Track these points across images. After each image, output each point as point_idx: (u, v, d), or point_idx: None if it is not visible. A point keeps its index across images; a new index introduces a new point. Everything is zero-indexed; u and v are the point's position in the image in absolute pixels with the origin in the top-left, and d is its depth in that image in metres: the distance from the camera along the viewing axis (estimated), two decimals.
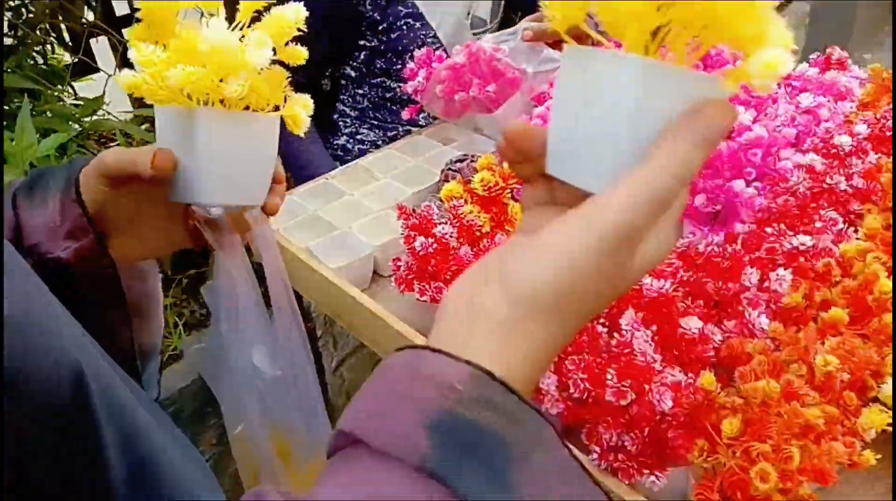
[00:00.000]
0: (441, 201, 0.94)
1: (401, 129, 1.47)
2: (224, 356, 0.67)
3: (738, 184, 0.87)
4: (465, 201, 0.88)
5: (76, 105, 1.46)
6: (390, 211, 1.00)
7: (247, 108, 0.54)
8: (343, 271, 0.89)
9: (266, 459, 0.73)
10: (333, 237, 0.95)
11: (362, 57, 1.41)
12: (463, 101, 1.13)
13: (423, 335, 0.79)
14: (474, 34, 1.44)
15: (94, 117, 1.45)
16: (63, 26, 1.58)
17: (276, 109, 0.55)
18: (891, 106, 0.97)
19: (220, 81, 0.51)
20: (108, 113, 1.47)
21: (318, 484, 0.34)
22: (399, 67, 1.39)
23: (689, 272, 0.71)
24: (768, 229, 0.74)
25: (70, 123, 1.32)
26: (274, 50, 0.52)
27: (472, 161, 1.01)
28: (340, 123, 1.52)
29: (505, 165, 0.90)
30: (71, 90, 1.71)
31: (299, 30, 0.52)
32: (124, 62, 1.51)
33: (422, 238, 0.78)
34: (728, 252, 0.72)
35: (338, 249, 0.94)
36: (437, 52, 1.15)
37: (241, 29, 0.52)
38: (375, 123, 1.49)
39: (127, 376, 0.45)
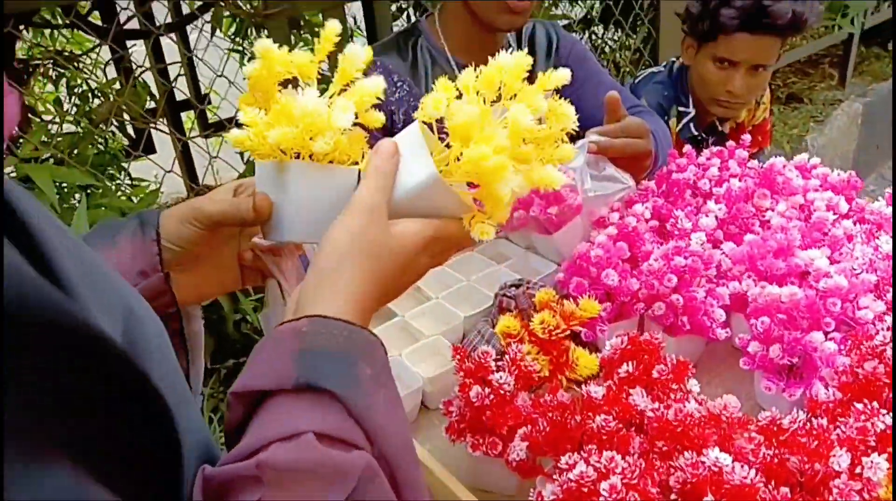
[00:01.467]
0: (494, 332, 0.91)
1: None
2: None
3: (817, 337, 0.81)
4: (522, 339, 0.83)
5: (130, 197, 1.47)
6: (441, 337, 0.96)
7: (330, 162, 0.62)
8: None
9: None
10: None
11: None
12: (521, 218, 1.10)
13: (473, 491, 0.73)
14: None
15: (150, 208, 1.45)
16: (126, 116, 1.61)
17: (356, 163, 0.63)
18: None
19: (311, 139, 0.59)
20: (163, 206, 1.48)
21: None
22: None
23: (772, 451, 0.65)
24: (858, 405, 0.68)
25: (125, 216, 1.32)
26: (356, 114, 0.60)
27: (528, 288, 0.97)
28: None
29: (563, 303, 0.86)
30: (126, 173, 1.73)
31: (378, 98, 0.61)
32: (184, 150, 1.53)
33: (477, 387, 0.74)
34: (814, 428, 0.65)
35: None
36: None
37: (330, 97, 0.61)
38: None
39: None
